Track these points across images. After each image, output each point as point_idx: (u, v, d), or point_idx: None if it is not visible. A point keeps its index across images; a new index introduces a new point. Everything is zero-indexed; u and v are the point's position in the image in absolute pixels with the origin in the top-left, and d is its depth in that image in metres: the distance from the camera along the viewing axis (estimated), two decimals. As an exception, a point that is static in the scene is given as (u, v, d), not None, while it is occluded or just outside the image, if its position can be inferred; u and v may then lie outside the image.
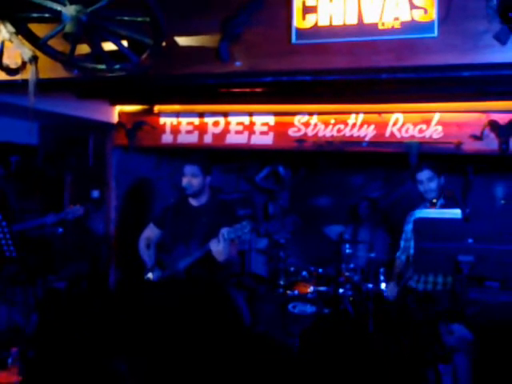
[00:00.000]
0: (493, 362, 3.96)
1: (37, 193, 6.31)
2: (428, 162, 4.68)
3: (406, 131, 5.72)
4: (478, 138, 5.41)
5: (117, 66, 3.93)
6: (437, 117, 5.62)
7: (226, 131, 6.45)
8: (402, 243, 4.92)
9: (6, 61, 4.27)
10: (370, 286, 6.16)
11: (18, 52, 4.18)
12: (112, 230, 6.99)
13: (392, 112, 5.78)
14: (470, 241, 3.55)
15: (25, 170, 6.30)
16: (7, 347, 3.60)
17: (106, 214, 6.92)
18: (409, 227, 4.74)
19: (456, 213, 3.69)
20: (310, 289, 6.36)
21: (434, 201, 4.58)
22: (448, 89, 4.79)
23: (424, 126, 5.66)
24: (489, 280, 4.44)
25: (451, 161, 4.83)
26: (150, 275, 4.57)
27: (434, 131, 5.61)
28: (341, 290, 6.28)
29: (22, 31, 3.93)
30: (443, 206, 4.41)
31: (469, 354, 3.92)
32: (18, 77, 4.30)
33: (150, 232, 4.89)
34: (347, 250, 6.59)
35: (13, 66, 4.27)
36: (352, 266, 6.50)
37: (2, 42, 4.16)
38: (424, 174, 4.61)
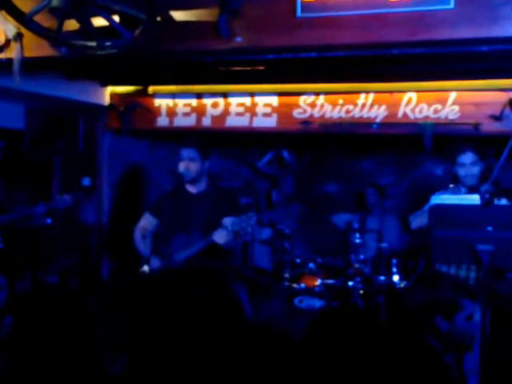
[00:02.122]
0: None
1: (24, 180, 6.31)
2: (472, 145, 4.59)
3: (420, 111, 5.71)
4: (497, 118, 5.40)
5: (108, 43, 3.91)
6: (453, 96, 5.60)
7: (225, 113, 6.44)
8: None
9: (-12, 38, 4.26)
10: (382, 278, 6.16)
11: (1, 29, 4.17)
12: (104, 220, 7.00)
13: (405, 91, 5.77)
14: (490, 229, 3.54)
15: (10, 156, 6.30)
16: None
17: (97, 202, 6.93)
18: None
19: (475, 199, 3.68)
20: (318, 282, 6.36)
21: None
22: (465, 65, 4.77)
23: (439, 106, 5.65)
24: (510, 271, 4.43)
25: (469, 143, 4.81)
26: (145, 268, 4.58)
27: (450, 111, 5.60)
28: (350, 283, 6.28)
29: (6, 6, 3.92)
30: (491, 194, 4.29)
31: None
32: (1, 55, 4.29)
33: (146, 222, 4.89)
34: (356, 240, 6.58)
35: (-4, 43, 4.26)
36: (362, 256, 6.50)
37: (-16, 18, 4.16)
38: (467, 158, 4.48)
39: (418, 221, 4.61)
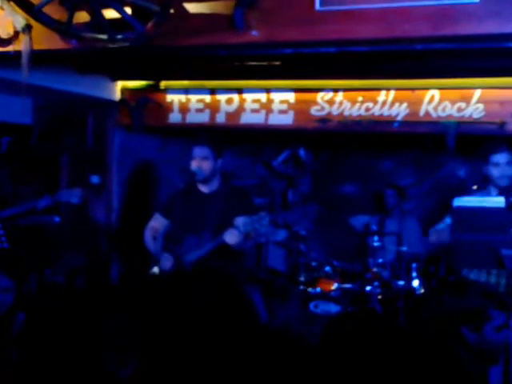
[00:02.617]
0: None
1: (31, 176, 6.34)
2: (507, 144, 4.43)
3: (443, 110, 5.68)
4: (523, 117, 5.37)
5: (119, 36, 3.92)
6: (477, 94, 5.57)
7: (240, 110, 6.44)
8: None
9: (-4, 30, 4.29)
10: (401, 283, 6.14)
11: (9, 20, 4.18)
12: (113, 219, 7.01)
13: (427, 88, 5.74)
14: (515, 232, 3.52)
15: (18, 151, 6.33)
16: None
17: (106, 201, 6.94)
18: None
19: (499, 201, 3.65)
20: (334, 286, 6.35)
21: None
22: (490, 61, 4.75)
23: (463, 104, 5.61)
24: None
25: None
26: (155, 269, 4.59)
27: (475, 110, 5.57)
28: (368, 288, 6.26)
29: (15, -3, 3.95)
30: None
31: None
32: (9, 48, 4.31)
33: (156, 222, 4.90)
34: (375, 243, 6.56)
35: (4, 36, 4.28)
36: (380, 260, 6.47)
37: (-8, 10, 4.18)
38: (502, 157, 4.34)
39: (438, 237, 4.57)
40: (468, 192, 4.58)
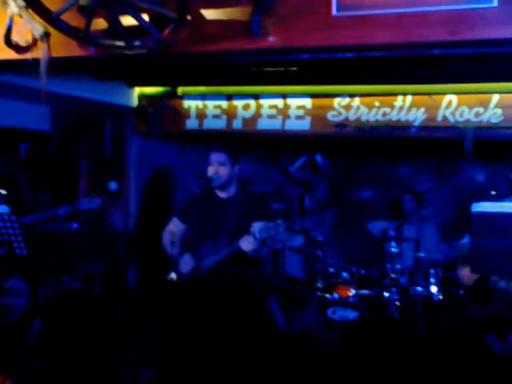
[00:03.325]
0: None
1: (49, 183, 6.37)
2: None
3: (461, 115, 5.66)
4: (542, 122, 5.33)
5: (137, 43, 3.94)
6: (496, 98, 5.54)
7: (257, 115, 6.45)
8: None
9: (15, 38, 4.30)
10: (419, 289, 6.11)
11: (28, 28, 4.20)
12: (131, 225, 7.03)
13: (444, 93, 5.72)
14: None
15: (36, 158, 6.36)
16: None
17: (124, 207, 6.97)
18: None
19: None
20: (352, 292, 6.33)
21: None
22: (509, 66, 4.72)
23: (481, 109, 5.59)
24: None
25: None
26: (173, 275, 4.58)
27: (493, 114, 5.54)
28: (386, 294, 6.24)
29: (33, 5, 3.97)
30: None
31: None
32: (28, 55, 4.33)
33: (174, 226, 4.90)
34: (392, 249, 6.53)
35: (22, 43, 4.30)
36: (398, 266, 6.45)
37: (11, 17, 4.20)
38: None
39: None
40: (491, 197, 4.54)
